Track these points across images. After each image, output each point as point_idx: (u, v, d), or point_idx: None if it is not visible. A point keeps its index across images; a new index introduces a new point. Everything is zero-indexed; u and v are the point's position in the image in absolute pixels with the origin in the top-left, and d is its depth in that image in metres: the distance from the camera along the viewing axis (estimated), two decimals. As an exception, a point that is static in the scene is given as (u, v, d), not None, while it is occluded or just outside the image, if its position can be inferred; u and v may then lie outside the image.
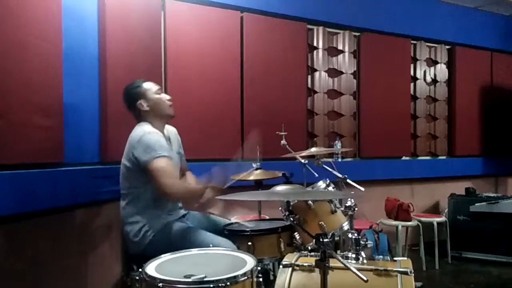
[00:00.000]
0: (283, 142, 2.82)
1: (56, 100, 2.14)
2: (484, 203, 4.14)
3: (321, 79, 4.17)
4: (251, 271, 1.45)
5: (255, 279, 1.47)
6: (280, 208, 2.06)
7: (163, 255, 1.65)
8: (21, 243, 1.93)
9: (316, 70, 4.15)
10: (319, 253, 1.32)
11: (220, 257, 1.68)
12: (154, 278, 1.39)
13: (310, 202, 2.06)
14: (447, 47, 4.98)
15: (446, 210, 4.43)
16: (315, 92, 4.15)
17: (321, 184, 2.22)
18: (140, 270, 1.48)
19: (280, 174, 2.63)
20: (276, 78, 3.84)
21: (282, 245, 2.10)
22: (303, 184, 2.62)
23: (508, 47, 5.29)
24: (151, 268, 1.50)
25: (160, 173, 1.97)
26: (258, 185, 2.79)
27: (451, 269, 3.98)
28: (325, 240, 1.30)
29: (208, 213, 2.37)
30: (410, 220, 3.84)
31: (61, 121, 2.16)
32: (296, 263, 1.58)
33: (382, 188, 4.32)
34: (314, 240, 1.37)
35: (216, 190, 2.00)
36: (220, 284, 1.34)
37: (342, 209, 2.14)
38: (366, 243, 1.69)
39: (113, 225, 2.58)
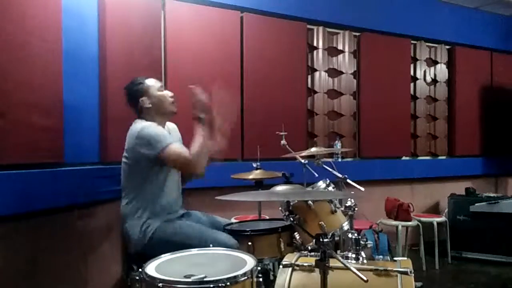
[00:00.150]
0: (283, 142, 2.82)
1: (56, 100, 2.14)
2: (484, 203, 4.14)
3: (321, 79, 4.17)
4: (251, 271, 1.45)
5: (255, 279, 1.46)
6: (280, 208, 2.06)
7: (163, 255, 1.64)
8: (21, 243, 1.93)
9: (316, 70, 4.15)
10: (319, 253, 1.31)
11: (220, 257, 1.68)
12: (154, 278, 1.39)
13: (310, 202, 2.06)
14: (447, 47, 4.98)
15: (446, 210, 4.43)
16: (315, 92, 4.15)
17: (321, 184, 2.22)
18: (140, 270, 1.48)
19: (280, 174, 2.63)
20: (276, 78, 3.84)
21: (282, 245, 2.10)
22: (303, 184, 2.62)
23: (508, 47, 5.29)
24: (151, 268, 1.50)
25: (175, 161, 2.03)
26: (258, 185, 2.79)
27: (451, 269, 3.98)
28: (325, 240, 1.30)
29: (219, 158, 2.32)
30: (410, 220, 3.84)
31: (61, 121, 2.16)
32: (296, 263, 1.58)
33: (382, 188, 4.32)
34: (314, 240, 1.37)
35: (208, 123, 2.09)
36: (220, 284, 1.34)
37: (342, 209, 2.14)
38: (366, 243, 1.69)
39: (113, 225, 2.58)
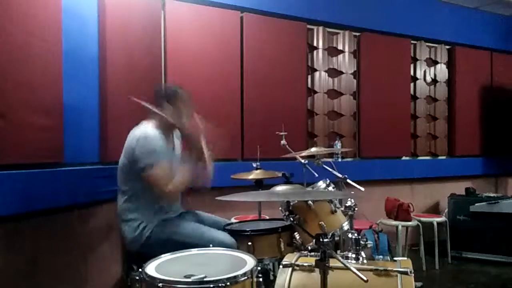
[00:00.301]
0: (283, 142, 2.82)
1: (56, 100, 2.14)
2: (484, 203, 4.14)
3: (321, 79, 4.17)
4: (251, 271, 1.45)
5: (255, 279, 1.47)
6: (280, 208, 2.06)
7: (163, 255, 1.65)
8: (21, 243, 1.93)
9: (316, 70, 4.15)
10: (319, 253, 1.32)
11: (220, 257, 1.68)
12: (154, 278, 1.39)
13: (310, 202, 2.06)
14: (447, 47, 4.98)
15: (446, 210, 4.43)
16: (315, 92, 4.15)
17: (321, 184, 2.22)
18: (140, 270, 1.48)
19: (280, 174, 2.63)
20: (276, 78, 3.84)
21: (282, 245, 2.10)
22: (303, 184, 2.62)
23: (508, 47, 5.29)
24: (151, 268, 1.50)
25: (156, 181, 2.02)
26: (258, 185, 2.79)
27: (451, 269, 3.98)
28: (325, 240, 1.30)
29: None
30: (410, 220, 3.84)
31: (61, 121, 2.16)
32: (296, 263, 1.58)
33: (382, 188, 4.32)
34: (314, 240, 1.37)
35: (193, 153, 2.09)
36: (220, 284, 1.34)
37: (342, 209, 2.14)
38: (366, 243, 1.69)
39: (113, 225, 2.57)
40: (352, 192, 2.08)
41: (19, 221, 1.89)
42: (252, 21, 3.74)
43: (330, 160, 3.59)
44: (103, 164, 2.55)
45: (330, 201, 2.12)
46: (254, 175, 2.77)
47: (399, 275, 1.47)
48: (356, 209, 2.03)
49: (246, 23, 3.71)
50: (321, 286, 1.30)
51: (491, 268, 3.92)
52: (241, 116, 3.67)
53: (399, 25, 4.52)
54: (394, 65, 4.55)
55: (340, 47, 4.27)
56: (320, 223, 1.97)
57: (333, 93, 4.26)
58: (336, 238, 2.11)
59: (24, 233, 1.95)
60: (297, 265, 1.57)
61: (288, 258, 1.63)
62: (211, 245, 1.82)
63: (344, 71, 4.28)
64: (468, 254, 4.19)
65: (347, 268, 1.25)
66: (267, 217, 2.87)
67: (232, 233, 2.14)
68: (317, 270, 1.38)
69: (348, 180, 2.27)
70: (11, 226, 1.84)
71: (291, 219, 1.99)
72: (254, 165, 2.84)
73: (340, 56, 4.28)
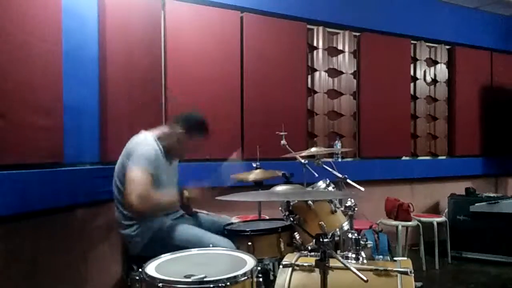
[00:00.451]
0: (283, 142, 2.82)
1: (56, 100, 2.14)
2: (484, 203, 4.14)
3: (321, 79, 4.17)
4: (251, 271, 1.45)
5: (255, 279, 1.47)
6: (280, 208, 2.06)
7: (163, 255, 1.65)
8: (21, 243, 1.93)
9: (316, 70, 4.15)
10: (319, 253, 1.32)
11: (220, 257, 1.68)
12: (154, 278, 1.39)
13: (310, 202, 2.06)
14: (447, 47, 4.98)
15: (446, 210, 4.43)
16: (315, 92, 4.15)
17: (321, 184, 2.22)
18: (140, 270, 1.48)
19: (280, 174, 2.63)
20: (276, 78, 3.84)
21: (282, 245, 2.10)
22: (303, 184, 2.62)
23: (508, 47, 5.29)
24: (151, 268, 1.50)
25: (132, 182, 1.92)
26: (258, 185, 2.79)
27: (451, 269, 3.98)
28: (325, 240, 1.30)
29: (194, 212, 2.38)
30: (410, 220, 3.84)
31: (61, 121, 2.16)
32: (296, 263, 1.58)
33: (382, 188, 4.32)
34: (314, 240, 1.37)
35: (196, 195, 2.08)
36: (220, 284, 1.34)
37: (342, 209, 2.14)
38: (366, 243, 1.69)
39: (113, 225, 2.56)
40: (352, 192, 2.08)
41: (19, 221, 1.89)
42: (252, 21, 3.74)
43: (330, 160, 3.59)
44: (103, 164, 2.55)
45: (330, 201, 2.12)
46: (254, 175, 2.77)
47: (399, 275, 1.47)
48: (356, 209, 2.02)
49: (246, 23, 3.71)
50: (321, 286, 1.30)
51: (491, 268, 3.92)
52: (241, 116, 3.67)
53: (399, 25, 4.52)
54: (394, 65, 4.55)
55: (340, 47, 4.27)
56: (320, 223, 1.97)
57: (333, 93, 4.26)
58: (336, 238, 2.11)
59: (24, 233, 1.95)
60: (297, 265, 1.57)
61: (288, 258, 1.63)
62: (211, 245, 1.82)
63: (344, 71, 4.28)
64: (468, 254, 4.19)
65: (347, 268, 1.25)
66: (267, 217, 2.87)
67: (232, 233, 2.14)
68: (317, 270, 1.38)
69: (348, 180, 2.27)
70: (11, 226, 1.84)
71: (291, 219, 1.99)
72: (254, 165, 2.84)
73: (340, 56, 4.28)
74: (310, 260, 1.55)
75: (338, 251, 2.00)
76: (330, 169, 2.42)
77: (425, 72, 4.82)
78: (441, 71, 4.93)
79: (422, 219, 3.99)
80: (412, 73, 4.74)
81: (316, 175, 2.57)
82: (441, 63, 4.92)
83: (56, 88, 2.14)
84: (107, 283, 2.69)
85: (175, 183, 2.32)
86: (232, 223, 2.40)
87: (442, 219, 4.09)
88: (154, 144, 2.11)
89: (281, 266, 1.59)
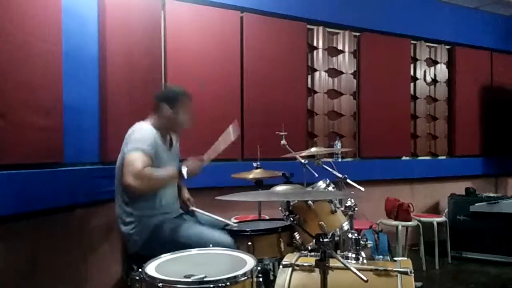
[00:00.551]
0: (283, 142, 2.82)
1: (56, 100, 2.14)
2: (484, 203, 4.14)
3: (321, 79, 4.17)
4: (251, 271, 1.45)
5: (255, 279, 1.47)
6: (280, 208, 2.06)
7: (163, 255, 1.65)
8: (21, 243, 1.93)
9: (316, 70, 4.15)
10: (319, 253, 1.32)
11: (220, 257, 1.68)
12: (154, 278, 1.39)
13: (310, 202, 2.06)
14: (447, 47, 4.98)
15: (446, 210, 4.43)
16: (315, 92, 4.15)
17: (321, 184, 2.22)
18: (140, 270, 1.48)
19: (280, 174, 2.63)
20: (276, 78, 3.84)
21: (282, 245, 2.10)
22: (303, 184, 2.62)
23: (508, 47, 5.29)
24: (151, 268, 1.50)
25: (129, 164, 1.90)
26: (258, 185, 2.79)
27: (451, 269, 3.98)
28: (325, 240, 1.30)
29: (192, 211, 2.37)
30: (410, 220, 3.84)
31: (61, 121, 2.16)
32: (296, 263, 1.58)
33: (382, 188, 4.32)
34: (314, 240, 1.37)
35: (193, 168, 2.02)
36: (220, 284, 1.34)
37: (342, 209, 2.14)
38: (366, 243, 1.69)
39: (113, 225, 2.57)
40: (352, 192, 2.08)
41: (19, 221, 1.89)
42: (252, 21, 3.74)
43: (330, 160, 3.59)
44: (103, 164, 2.55)
45: (330, 201, 2.12)
46: (254, 175, 2.77)
47: (399, 275, 1.47)
48: (356, 209, 2.02)
49: (246, 23, 3.71)
50: (321, 286, 1.30)
51: (491, 268, 3.92)
52: (241, 116, 3.67)
53: (399, 25, 4.52)
54: (394, 65, 4.55)
55: (340, 47, 4.27)
56: (320, 223, 1.97)
57: (333, 93, 4.26)
58: (336, 238, 2.10)
59: (24, 233, 1.95)
60: (297, 265, 1.57)
61: (288, 258, 1.63)
62: (211, 245, 1.82)
63: (344, 71, 4.28)
64: (468, 254, 4.19)
65: (347, 268, 1.25)
66: (267, 217, 2.87)
67: (232, 233, 2.14)
68: (317, 270, 1.38)
69: (348, 180, 2.27)
70: (11, 226, 1.84)
71: (291, 219, 1.99)
72: (254, 165, 2.84)
73: (340, 56, 4.28)
74: (310, 260, 1.55)
75: (338, 251, 2.00)
76: (330, 169, 2.42)
77: (425, 72, 4.82)
78: (441, 71, 4.93)
79: (422, 219, 3.99)
80: (412, 73, 4.73)
81: (316, 175, 2.57)
82: (441, 63, 4.92)
83: (56, 88, 2.15)
84: (107, 283, 2.69)
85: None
86: (230, 225, 2.40)
87: (442, 219, 4.09)
88: (151, 128, 2.13)
89: (281, 266, 1.59)
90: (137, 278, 1.47)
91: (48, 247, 2.09)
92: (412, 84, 4.74)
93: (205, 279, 1.34)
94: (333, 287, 1.33)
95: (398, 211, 3.83)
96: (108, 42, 2.59)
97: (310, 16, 4.03)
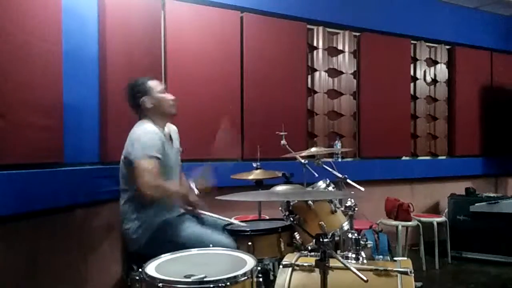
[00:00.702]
0: (283, 142, 2.82)
1: (56, 100, 2.14)
2: (484, 203, 4.14)
3: (321, 79, 4.16)
4: (251, 271, 1.45)
5: (255, 279, 1.47)
6: (280, 208, 2.06)
7: (163, 255, 1.65)
8: (21, 243, 1.93)
9: (316, 70, 4.15)
10: (319, 253, 1.32)
11: (220, 257, 1.68)
12: (154, 278, 1.39)
13: (310, 202, 2.06)
14: (447, 47, 4.98)
15: (446, 210, 4.43)
16: (315, 92, 4.15)
17: (321, 184, 2.22)
18: (140, 270, 1.48)
19: (280, 174, 2.63)
20: (276, 78, 3.84)
21: (282, 245, 2.10)
22: (303, 184, 2.62)
23: (508, 47, 5.29)
24: (151, 268, 1.50)
25: (143, 172, 1.98)
26: (258, 185, 2.79)
27: (451, 269, 3.98)
28: (325, 240, 1.30)
29: (198, 213, 2.39)
30: (410, 220, 3.84)
31: (61, 121, 2.16)
32: (296, 263, 1.58)
33: (382, 188, 4.32)
34: (314, 240, 1.37)
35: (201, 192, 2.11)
36: (220, 284, 1.34)
37: (342, 209, 2.14)
38: (366, 243, 1.69)
39: (113, 225, 2.58)
40: (352, 192, 2.08)
41: (19, 221, 1.89)
42: (252, 21, 3.74)
43: (330, 160, 3.59)
44: (103, 164, 2.55)
45: (330, 201, 2.12)
46: (254, 175, 2.77)
47: (399, 275, 1.47)
48: (356, 209, 2.02)
49: (246, 23, 3.71)
50: (321, 286, 1.30)
51: (491, 268, 3.92)
52: (241, 116, 3.67)
53: (399, 25, 4.52)
54: (394, 65, 4.55)
55: (340, 47, 4.27)
56: (320, 223, 1.96)
57: (333, 93, 4.26)
58: (336, 238, 2.10)
59: (24, 233, 1.95)
60: (297, 265, 1.57)
61: (288, 258, 1.63)
62: (211, 245, 1.82)
63: (344, 71, 4.28)
64: (468, 254, 4.19)
65: (347, 268, 1.25)
66: (267, 217, 2.87)
67: (232, 233, 2.14)
68: (317, 270, 1.38)
69: (348, 180, 2.27)
70: (11, 226, 1.84)
71: (291, 219, 1.99)
72: (254, 165, 2.84)
73: (340, 56, 4.27)
74: (310, 260, 1.55)
75: (338, 251, 2.00)
76: (330, 169, 2.42)
77: (425, 72, 4.82)
78: (441, 71, 4.93)
79: (422, 219, 3.99)
80: (412, 73, 4.73)
81: (316, 175, 2.57)
82: (441, 63, 4.92)
83: (56, 88, 2.15)
84: (107, 283, 2.69)
85: (179, 165, 2.40)
86: (231, 223, 2.40)
87: (442, 219, 4.09)
88: (155, 129, 2.14)
89: (281, 266, 1.59)
90: (137, 278, 1.47)
91: (48, 247, 2.09)
92: (412, 84, 4.74)
93: (205, 279, 1.34)
94: (333, 287, 1.33)
95: (398, 211, 3.83)
96: (108, 42, 2.60)
97: (310, 16, 4.03)
